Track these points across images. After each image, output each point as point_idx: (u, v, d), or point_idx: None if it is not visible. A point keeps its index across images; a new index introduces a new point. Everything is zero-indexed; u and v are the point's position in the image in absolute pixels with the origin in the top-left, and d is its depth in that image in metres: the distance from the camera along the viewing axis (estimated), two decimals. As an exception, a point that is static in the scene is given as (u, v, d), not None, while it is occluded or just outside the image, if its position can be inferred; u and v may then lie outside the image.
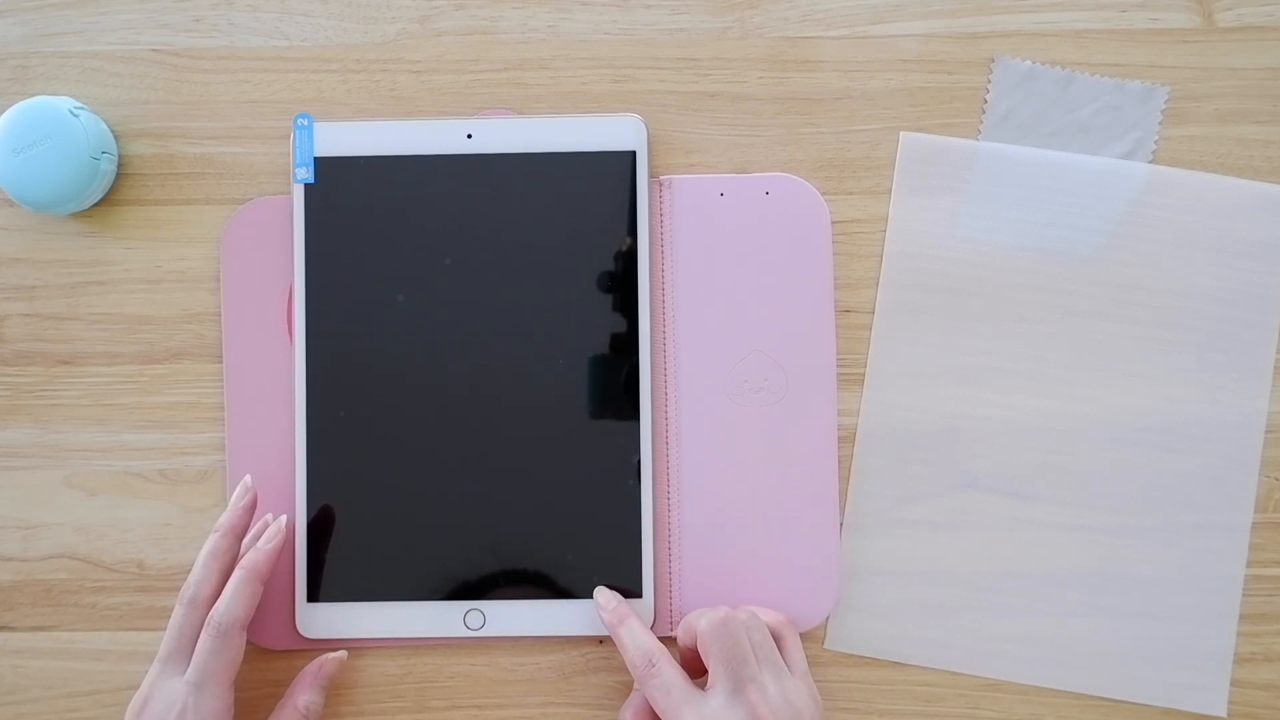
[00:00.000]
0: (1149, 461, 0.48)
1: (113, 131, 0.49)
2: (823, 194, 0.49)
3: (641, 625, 0.46)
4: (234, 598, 0.44)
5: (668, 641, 0.47)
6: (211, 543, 0.46)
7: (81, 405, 0.49)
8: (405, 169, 0.48)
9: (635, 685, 0.45)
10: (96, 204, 0.49)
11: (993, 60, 0.49)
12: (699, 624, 0.44)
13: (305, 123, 0.49)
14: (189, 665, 0.44)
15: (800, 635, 0.48)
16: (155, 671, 0.44)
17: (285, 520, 0.47)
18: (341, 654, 0.48)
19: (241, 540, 0.46)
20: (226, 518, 0.46)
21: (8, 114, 0.47)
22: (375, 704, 0.49)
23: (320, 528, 0.48)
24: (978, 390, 0.49)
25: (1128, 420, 0.49)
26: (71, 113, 0.47)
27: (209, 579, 0.45)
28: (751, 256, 0.49)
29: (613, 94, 0.49)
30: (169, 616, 0.49)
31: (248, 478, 0.47)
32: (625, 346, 0.48)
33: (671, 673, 0.43)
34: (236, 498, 0.47)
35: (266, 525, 0.47)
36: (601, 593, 0.47)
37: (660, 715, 0.43)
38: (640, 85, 0.49)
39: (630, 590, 0.47)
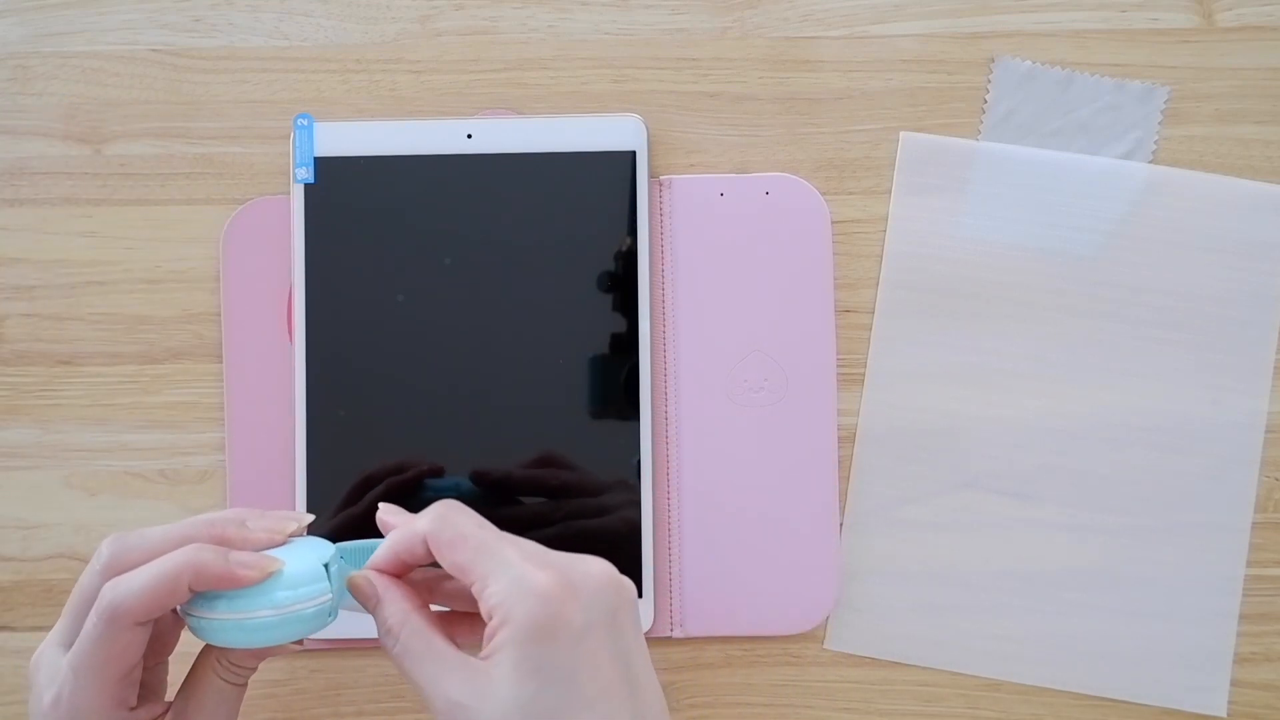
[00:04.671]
0: (1149, 461, 0.48)
1: None
2: (823, 194, 0.49)
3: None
4: (139, 580, 0.35)
5: (667, 644, 0.47)
6: (191, 522, 0.38)
7: (81, 405, 0.49)
8: (405, 169, 0.48)
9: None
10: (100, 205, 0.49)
11: (993, 60, 0.49)
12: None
13: (305, 123, 0.48)
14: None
15: (800, 635, 0.48)
16: (55, 630, 0.37)
17: (294, 531, 0.39)
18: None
19: (223, 544, 0.37)
20: (249, 519, 0.39)
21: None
22: (375, 704, 0.48)
23: (320, 527, 0.48)
24: (978, 390, 0.49)
25: (1128, 420, 0.49)
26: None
27: (151, 546, 0.37)
28: (751, 256, 0.49)
29: (613, 94, 0.49)
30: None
31: (307, 516, 0.40)
32: (625, 346, 0.48)
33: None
34: (283, 518, 0.39)
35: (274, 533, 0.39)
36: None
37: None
38: (640, 85, 0.49)
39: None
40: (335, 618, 0.39)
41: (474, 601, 0.36)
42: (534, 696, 0.34)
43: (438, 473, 0.47)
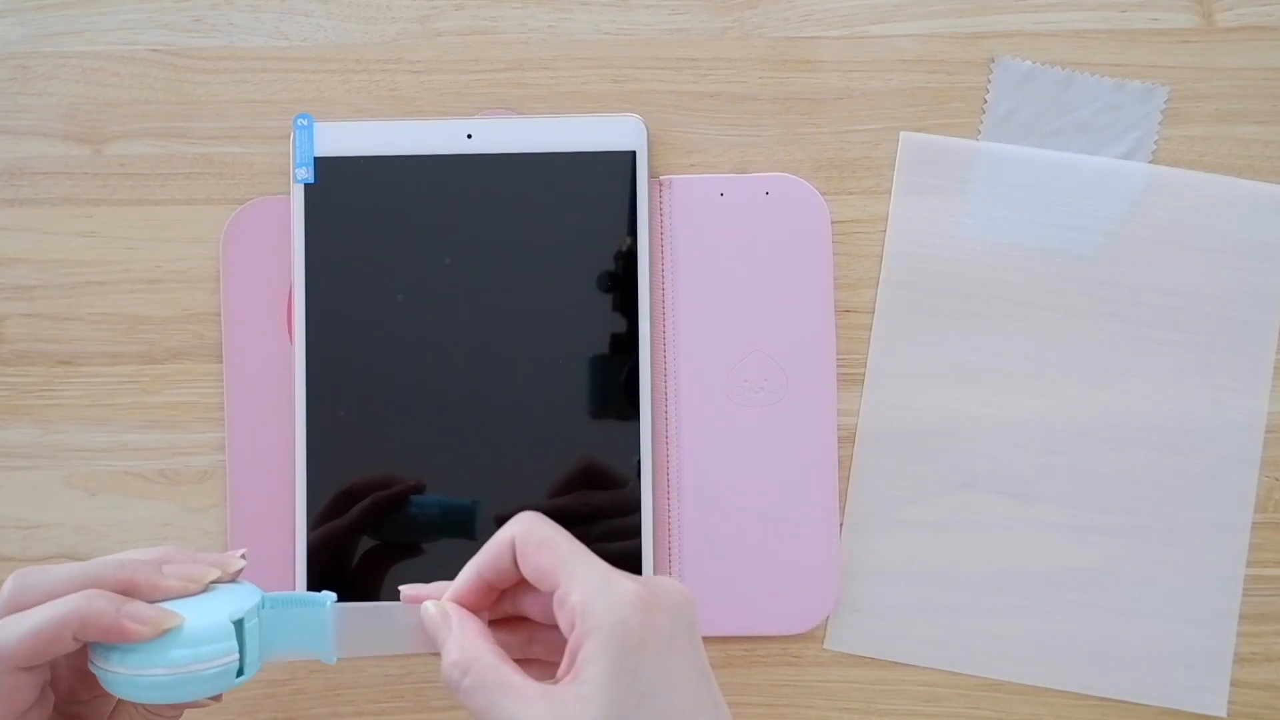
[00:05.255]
0: (1149, 461, 0.48)
1: None
2: (823, 194, 0.49)
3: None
4: (24, 625, 0.33)
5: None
6: (103, 563, 0.35)
7: (81, 405, 0.49)
8: (405, 169, 0.48)
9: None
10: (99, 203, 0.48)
11: (993, 60, 0.49)
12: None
13: (305, 123, 0.49)
14: None
15: (800, 635, 0.48)
16: None
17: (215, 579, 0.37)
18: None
19: (130, 591, 0.35)
20: (170, 563, 0.36)
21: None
22: (375, 704, 0.48)
23: (320, 527, 0.48)
24: (978, 390, 0.49)
25: (1128, 420, 0.49)
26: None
27: (50, 586, 0.35)
28: (751, 256, 0.49)
29: (613, 94, 0.49)
30: (169, 616, 0.48)
31: (238, 561, 0.38)
32: (625, 346, 0.48)
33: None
34: (209, 562, 0.37)
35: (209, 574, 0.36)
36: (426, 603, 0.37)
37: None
38: (640, 85, 0.49)
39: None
40: (249, 675, 0.36)
41: (546, 616, 0.35)
42: (633, 710, 0.32)
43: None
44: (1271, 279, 0.49)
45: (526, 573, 0.35)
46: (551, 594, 0.34)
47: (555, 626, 0.34)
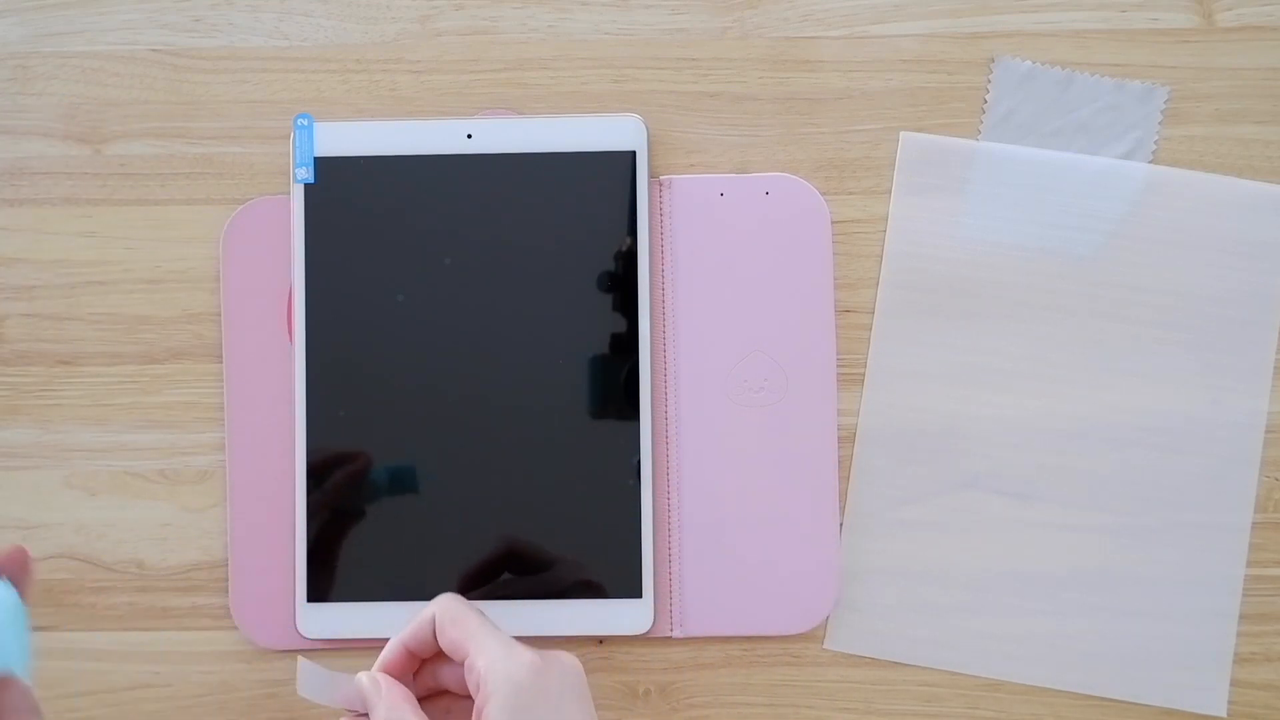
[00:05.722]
0: (1149, 461, 0.48)
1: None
2: (823, 194, 0.49)
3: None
4: None
5: (667, 644, 0.48)
6: None
7: (81, 405, 0.49)
8: (405, 169, 0.48)
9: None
10: None
11: (993, 60, 0.49)
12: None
13: (305, 123, 0.49)
14: None
15: (800, 635, 0.48)
16: None
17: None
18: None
19: None
20: None
21: None
22: (375, 704, 0.48)
23: (320, 527, 0.48)
24: (978, 390, 0.49)
25: (1128, 420, 0.49)
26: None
27: None
28: (751, 256, 0.49)
29: (613, 94, 0.49)
30: (169, 616, 0.49)
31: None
32: (625, 346, 0.48)
33: None
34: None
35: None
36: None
37: None
38: (640, 85, 0.49)
39: (630, 590, 0.47)
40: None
41: (461, 688, 0.40)
42: None
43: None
44: (1271, 279, 0.49)
45: (443, 644, 0.41)
46: (463, 664, 0.40)
47: (469, 697, 0.40)
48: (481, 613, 0.41)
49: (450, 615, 0.41)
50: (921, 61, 0.49)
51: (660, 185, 0.49)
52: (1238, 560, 0.48)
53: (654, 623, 0.48)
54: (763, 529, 0.48)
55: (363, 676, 0.41)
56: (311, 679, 0.41)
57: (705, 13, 0.49)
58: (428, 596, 0.47)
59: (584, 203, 0.48)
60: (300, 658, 0.41)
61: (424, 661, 0.42)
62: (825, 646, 0.49)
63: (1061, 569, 0.48)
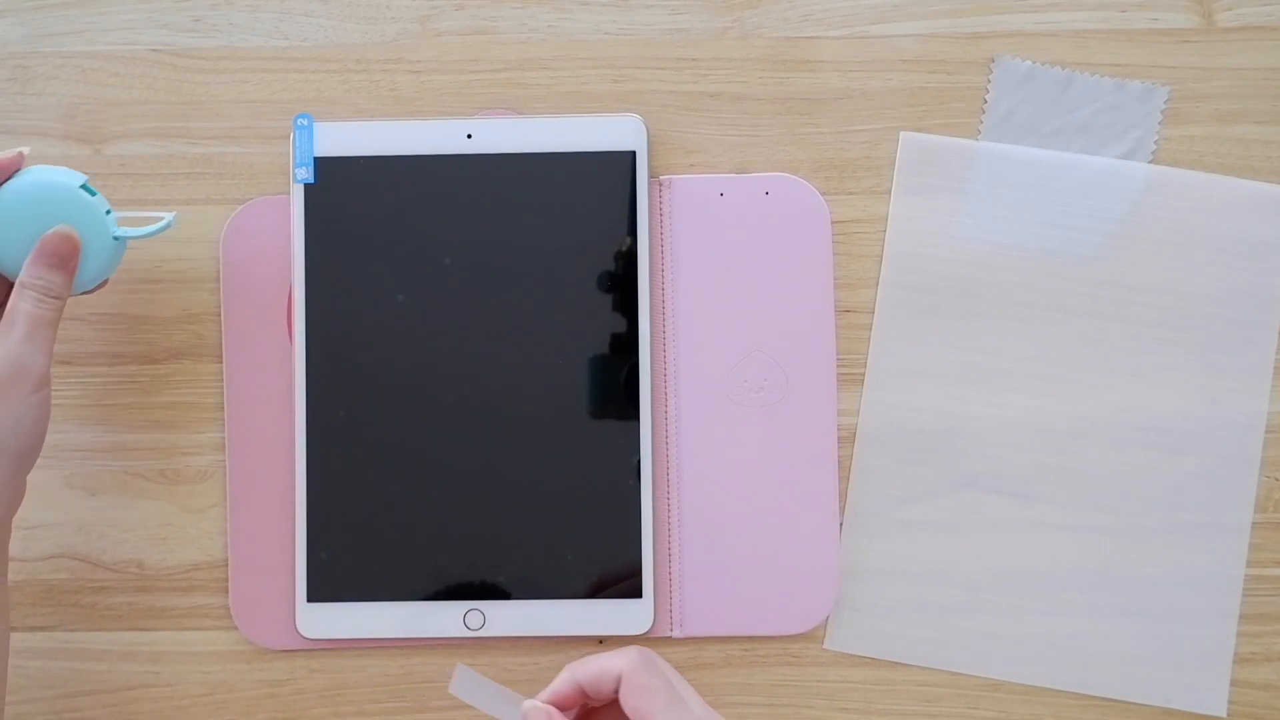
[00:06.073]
0: (1149, 461, 0.48)
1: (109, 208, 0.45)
2: (823, 194, 0.49)
3: None
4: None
5: (667, 644, 0.47)
6: None
7: (81, 405, 0.49)
8: (405, 169, 0.48)
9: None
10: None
11: (993, 60, 0.49)
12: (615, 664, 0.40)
13: (305, 123, 0.49)
14: None
15: (800, 635, 0.48)
16: None
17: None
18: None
19: None
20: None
21: (14, 195, 0.44)
22: (375, 704, 0.49)
23: (320, 527, 0.48)
24: (978, 390, 0.49)
25: (1128, 420, 0.49)
26: (86, 189, 0.44)
27: None
28: (751, 256, 0.49)
29: (613, 94, 0.49)
30: (169, 616, 0.49)
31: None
32: (625, 346, 0.48)
33: None
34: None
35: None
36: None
37: None
38: (640, 85, 0.49)
39: (630, 590, 0.47)
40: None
41: None
42: None
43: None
44: (1271, 279, 0.49)
45: (627, 708, 0.39)
46: None
47: None
48: (670, 683, 0.40)
49: (637, 685, 0.39)
50: (921, 61, 0.49)
51: (660, 185, 0.49)
52: (1238, 560, 0.48)
53: (654, 623, 0.48)
54: (763, 529, 0.48)
55: (533, 705, 0.40)
56: (467, 683, 0.41)
57: (705, 13, 0.49)
58: (428, 596, 0.48)
59: (584, 203, 0.48)
60: (460, 664, 0.41)
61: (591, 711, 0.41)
62: (825, 646, 0.49)
63: (1061, 569, 0.48)
